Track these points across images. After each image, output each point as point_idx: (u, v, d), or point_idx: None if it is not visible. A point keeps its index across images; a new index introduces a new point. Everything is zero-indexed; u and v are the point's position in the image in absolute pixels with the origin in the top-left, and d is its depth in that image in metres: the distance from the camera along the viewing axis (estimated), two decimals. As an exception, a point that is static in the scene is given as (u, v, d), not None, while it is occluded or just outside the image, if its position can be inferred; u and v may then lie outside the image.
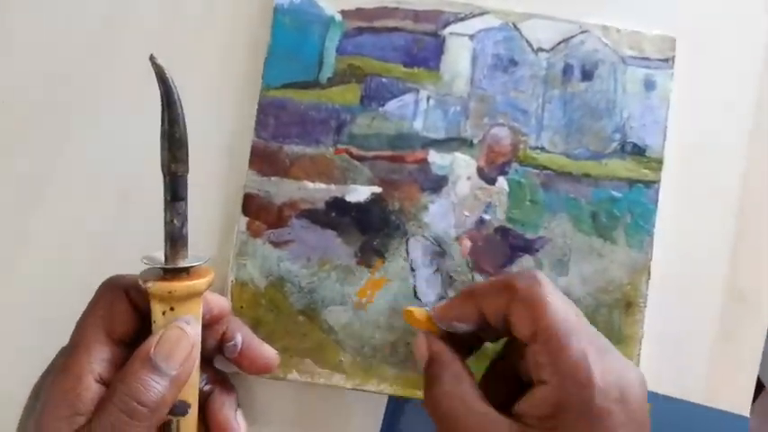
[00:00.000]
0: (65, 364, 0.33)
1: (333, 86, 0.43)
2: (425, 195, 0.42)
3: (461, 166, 0.43)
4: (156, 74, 0.32)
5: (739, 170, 0.45)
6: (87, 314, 0.35)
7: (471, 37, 0.43)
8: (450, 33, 0.43)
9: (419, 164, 0.43)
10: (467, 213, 0.42)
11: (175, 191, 0.33)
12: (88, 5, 0.45)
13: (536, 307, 0.33)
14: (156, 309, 0.34)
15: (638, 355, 0.42)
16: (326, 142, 0.43)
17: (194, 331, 0.34)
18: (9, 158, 0.44)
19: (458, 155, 0.43)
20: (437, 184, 0.43)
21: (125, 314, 0.35)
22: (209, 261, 0.35)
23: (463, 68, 0.43)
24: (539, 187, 0.42)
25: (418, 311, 0.38)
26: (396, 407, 0.43)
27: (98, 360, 0.33)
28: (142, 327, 0.35)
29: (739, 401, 0.43)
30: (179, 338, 0.33)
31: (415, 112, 0.43)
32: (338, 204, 0.42)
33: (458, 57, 0.43)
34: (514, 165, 0.43)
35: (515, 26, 0.43)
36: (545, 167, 0.43)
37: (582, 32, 0.43)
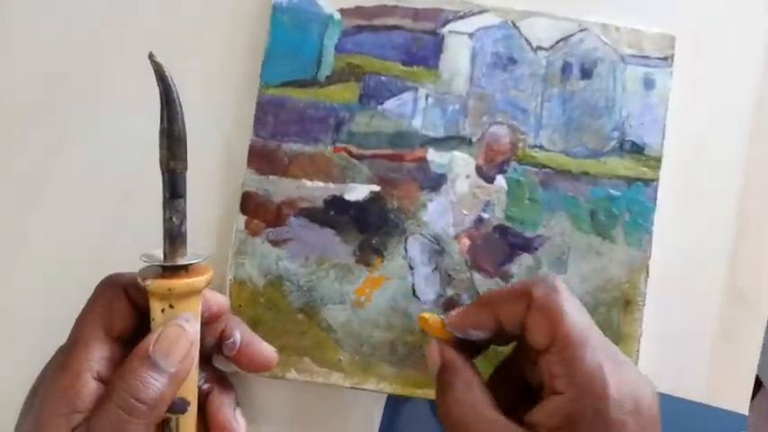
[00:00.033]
0: (63, 361, 0.33)
1: (331, 85, 0.43)
2: (424, 194, 0.42)
3: (460, 165, 0.43)
4: (155, 71, 0.32)
5: (739, 169, 0.45)
6: (86, 312, 0.35)
7: (470, 35, 0.43)
8: (450, 32, 0.43)
9: (418, 162, 0.43)
10: (465, 212, 0.42)
11: (174, 188, 0.33)
12: (87, 5, 0.45)
13: (553, 316, 0.33)
14: (155, 306, 0.34)
15: (637, 353, 0.42)
16: (325, 141, 0.43)
17: (193, 329, 0.34)
18: (9, 158, 0.44)
19: (457, 153, 0.43)
20: (436, 182, 0.42)
21: (124, 312, 0.35)
22: (208, 259, 0.35)
23: (462, 67, 0.43)
24: (537, 186, 0.42)
25: (432, 318, 0.38)
26: (394, 406, 0.43)
27: (97, 358, 0.33)
28: (141, 325, 0.35)
29: (738, 400, 0.43)
30: (178, 336, 0.33)
31: (413, 110, 0.43)
32: (337, 203, 0.42)
33: (457, 55, 0.43)
34: (513, 163, 0.43)
35: (514, 24, 0.43)
36: (544, 166, 0.43)
37: (581, 31, 0.43)
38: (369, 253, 0.42)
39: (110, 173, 0.44)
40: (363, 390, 0.41)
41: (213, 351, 0.38)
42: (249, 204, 0.42)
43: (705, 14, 0.45)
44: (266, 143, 0.42)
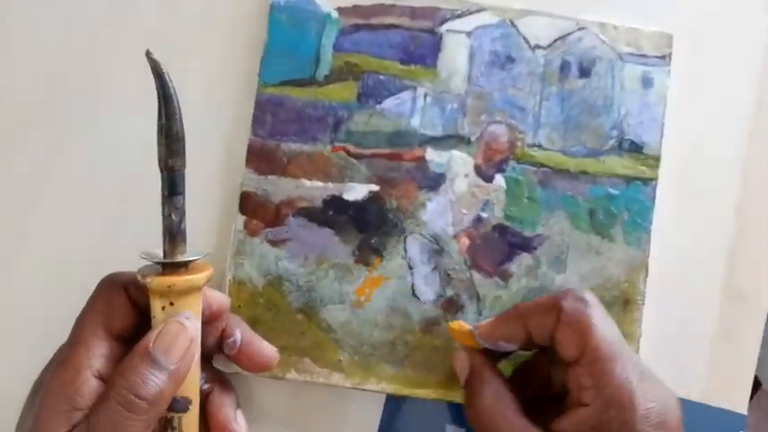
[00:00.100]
0: (64, 359, 0.33)
1: (330, 84, 0.43)
2: (423, 193, 0.42)
3: (459, 164, 0.43)
4: (152, 68, 0.32)
5: (737, 168, 0.45)
6: (86, 310, 0.35)
7: (468, 34, 0.43)
8: (448, 30, 0.43)
9: (417, 162, 0.43)
10: (464, 211, 0.42)
11: (173, 186, 0.33)
12: (87, 5, 0.45)
13: (582, 330, 0.34)
14: (156, 304, 0.34)
15: (637, 352, 0.41)
16: (324, 140, 0.42)
17: (194, 326, 0.34)
18: (9, 158, 0.44)
19: (455, 152, 0.43)
20: (435, 181, 0.42)
21: (124, 309, 0.35)
22: (207, 258, 0.35)
23: (460, 66, 0.43)
24: (536, 185, 0.42)
25: (461, 327, 0.39)
26: (394, 405, 0.43)
27: (97, 355, 0.33)
28: (142, 323, 0.35)
29: (737, 399, 0.43)
30: (178, 333, 0.33)
31: (412, 109, 0.43)
32: (336, 203, 0.42)
33: (455, 54, 0.43)
34: (512, 162, 0.43)
35: (512, 23, 0.43)
36: (542, 165, 0.43)
37: (579, 29, 0.43)
38: (368, 253, 0.42)
39: (110, 173, 0.44)
40: (364, 390, 0.41)
41: (214, 351, 0.39)
42: (248, 204, 0.42)
43: (703, 13, 0.45)
44: (265, 142, 0.42)
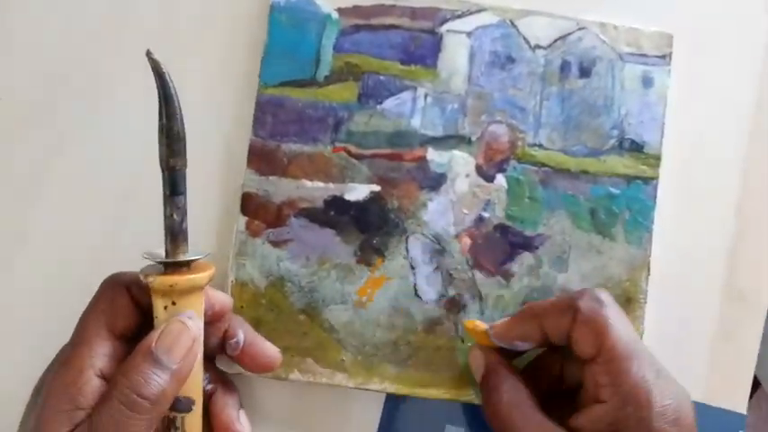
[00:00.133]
0: (66, 358, 0.33)
1: (330, 84, 0.43)
2: (424, 193, 0.42)
3: (460, 164, 0.43)
4: (153, 68, 0.32)
5: (738, 168, 0.45)
6: (89, 310, 0.35)
7: (469, 34, 0.43)
8: (448, 31, 0.43)
9: (417, 162, 0.43)
10: (466, 211, 0.42)
11: (174, 185, 0.33)
12: (87, 5, 0.45)
13: (599, 329, 0.34)
14: (158, 304, 0.34)
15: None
16: (324, 140, 0.42)
17: (196, 326, 0.34)
18: (9, 158, 0.44)
19: (456, 152, 0.43)
20: (436, 181, 0.42)
21: (126, 309, 0.35)
22: (209, 258, 0.35)
23: (461, 66, 0.43)
24: (537, 184, 0.42)
25: (477, 326, 0.39)
26: (393, 405, 0.43)
27: (99, 355, 0.33)
28: (144, 323, 0.35)
29: (736, 399, 0.43)
30: (180, 332, 0.33)
31: (412, 109, 0.43)
32: (337, 203, 0.42)
33: (455, 54, 0.43)
34: (513, 162, 0.43)
35: (512, 23, 0.43)
36: (543, 164, 0.43)
37: (579, 29, 0.43)
38: (370, 253, 0.42)
39: (110, 173, 0.44)
40: (367, 390, 0.41)
41: (216, 351, 0.38)
42: (249, 205, 0.42)
43: (703, 13, 0.45)
44: (266, 143, 0.42)
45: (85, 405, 0.32)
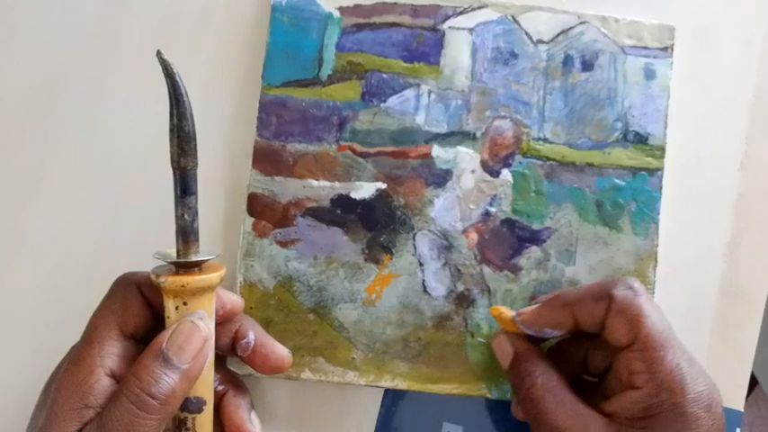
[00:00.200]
0: (77, 357, 0.33)
1: (333, 83, 0.43)
2: (430, 190, 0.42)
3: (465, 160, 0.43)
4: (163, 69, 0.32)
5: (738, 165, 0.45)
6: (100, 309, 0.35)
7: (471, 30, 0.43)
8: (450, 27, 0.43)
9: (423, 159, 0.43)
10: (472, 206, 0.42)
11: (186, 186, 0.33)
12: (87, 5, 0.45)
13: (635, 318, 0.35)
14: (170, 304, 0.34)
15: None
16: (329, 139, 0.42)
17: (207, 326, 0.34)
18: (9, 158, 0.44)
19: (461, 148, 0.43)
20: (441, 178, 0.43)
21: (138, 309, 0.35)
22: (218, 258, 0.35)
23: (463, 62, 0.43)
24: (543, 178, 0.43)
25: (505, 312, 0.39)
26: (392, 400, 0.43)
27: (109, 354, 0.33)
28: (155, 323, 0.35)
29: (734, 397, 0.43)
30: (191, 332, 0.33)
31: (416, 107, 0.43)
32: (343, 201, 0.42)
33: (458, 51, 0.43)
34: (518, 157, 0.43)
35: (514, 19, 0.43)
36: (548, 158, 0.43)
37: (581, 23, 0.43)
38: (377, 251, 0.42)
39: (109, 173, 0.44)
40: (379, 387, 0.41)
41: (227, 352, 0.38)
42: (256, 206, 0.42)
43: (704, 4, 0.45)
44: (270, 144, 0.42)
45: (95, 404, 0.32)
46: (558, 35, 0.43)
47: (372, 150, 0.43)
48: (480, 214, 0.42)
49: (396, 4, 0.43)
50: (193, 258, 0.34)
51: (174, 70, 0.32)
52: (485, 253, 0.42)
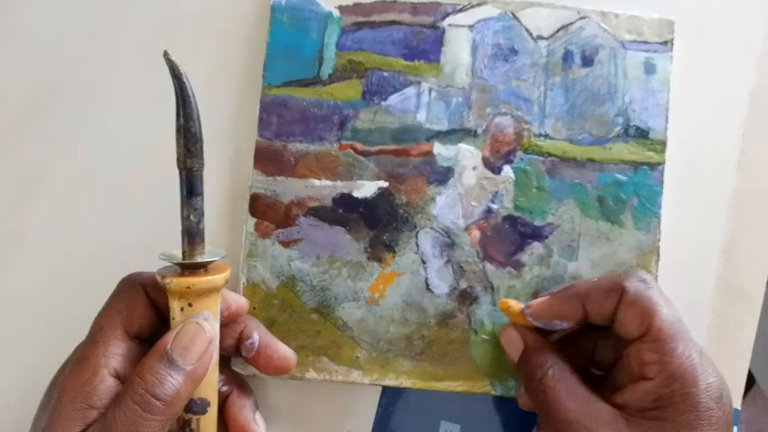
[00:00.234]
0: (81, 357, 0.33)
1: (334, 82, 0.43)
2: (432, 187, 0.42)
3: (466, 157, 0.43)
4: (170, 70, 0.32)
5: (735, 163, 0.44)
6: (105, 309, 0.35)
7: (470, 27, 0.43)
8: (449, 25, 0.43)
9: (424, 156, 0.43)
10: (474, 203, 0.42)
11: (192, 187, 0.33)
12: (87, 5, 0.45)
13: (647, 310, 0.35)
14: (175, 305, 0.34)
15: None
16: (330, 139, 0.42)
17: (212, 327, 0.34)
18: (8, 158, 0.44)
19: (462, 146, 0.43)
20: (443, 175, 0.43)
21: (143, 309, 0.35)
22: (221, 258, 0.35)
23: (464, 59, 0.43)
24: (544, 174, 0.43)
25: (513, 304, 0.39)
26: (390, 398, 0.43)
27: (114, 354, 0.33)
28: (160, 324, 0.35)
29: (732, 394, 0.43)
30: (196, 334, 0.33)
31: (417, 104, 0.43)
32: (345, 200, 0.42)
33: (458, 48, 0.43)
34: (519, 153, 0.43)
35: (514, 15, 0.43)
36: (549, 154, 0.43)
37: (580, 19, 0.43)
38: (380, 249, 0.42)
39: (109, 173, 0.44)
40: (384, 386, 0.42)
41: (232, 353, 0.38)
42: (258, 206, 0.42)
43: (703, -2, 0.45)
44: (271, 144, 0.42)
45: (99, 404, 0.32)
46: (558, 31, 0.43)
47: (374, 149, 0.43)
48: (482, 211, 0.42)
49: (395, 2, 0.43)
50: (199, 260, 0.34)
51: (182, 71, 0.32)
52: (487, 250, 0.42)
